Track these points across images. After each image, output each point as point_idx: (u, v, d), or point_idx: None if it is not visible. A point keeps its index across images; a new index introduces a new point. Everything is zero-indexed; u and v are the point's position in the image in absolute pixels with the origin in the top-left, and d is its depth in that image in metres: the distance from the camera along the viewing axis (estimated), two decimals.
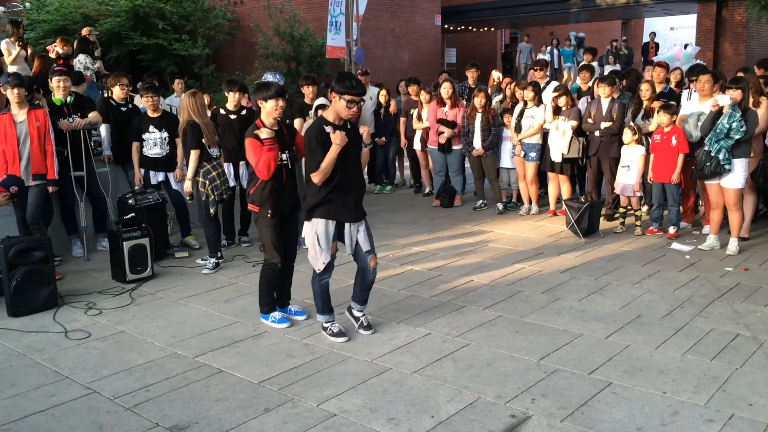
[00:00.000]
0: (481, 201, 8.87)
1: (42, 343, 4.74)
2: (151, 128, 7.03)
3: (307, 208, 4.52)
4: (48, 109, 6.51)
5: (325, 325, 4.72)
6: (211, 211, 6.44)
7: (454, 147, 8.74)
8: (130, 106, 7.55)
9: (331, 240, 4.51)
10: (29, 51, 9.26)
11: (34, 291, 5.32)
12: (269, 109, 4.75)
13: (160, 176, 7.20)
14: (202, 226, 6.59)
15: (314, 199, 4.46)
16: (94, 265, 6.68)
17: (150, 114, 7.08)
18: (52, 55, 9.81)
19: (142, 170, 7.14)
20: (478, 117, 8.30)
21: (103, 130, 7.34)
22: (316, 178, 4.37)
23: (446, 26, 23.11)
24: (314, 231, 4.50)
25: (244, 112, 7.26)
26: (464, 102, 8.96)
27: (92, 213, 7.11)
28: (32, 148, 6.01)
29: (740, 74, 6.64)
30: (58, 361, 4.42)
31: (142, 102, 7.17)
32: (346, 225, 4.53)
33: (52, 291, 5.44)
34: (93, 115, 6.83)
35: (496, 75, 10.63)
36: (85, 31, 11.53)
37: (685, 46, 16.23)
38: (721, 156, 6.16)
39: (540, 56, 17.55)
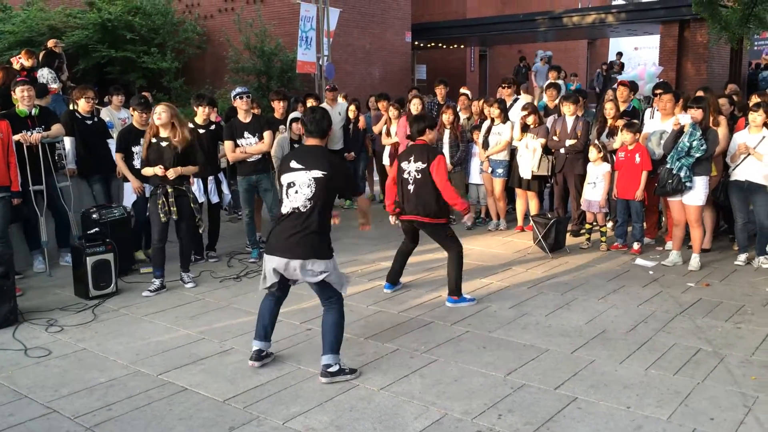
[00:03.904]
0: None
1: (0, 361, 4.61)
2: (142, 141, 6.88)
3: (327, 246, 4.29)
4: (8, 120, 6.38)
5: (337, 364, 4.27)
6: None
7: None
8: (95, 119, 7.43)
9: None
10: None
11: None
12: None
13: None
14: (190, 242, 6.40)
15: (328, 237, 4.34)
16: (56, 281, 6.54)
17: (140, 128, 6.84)
18: (17, 67, 9.65)
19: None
20: (447, 133, 8.37)
21: (68, 143, 7.20)
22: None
23: (416, 43, 23.31)
24: (334, 265, 4.32)
25: (213, 126, 7.22)
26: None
27: (55, 228, 6.97)
28: None
29: (700, 93, 6.82)
30: (16, 380, 4.31)
31: (133, 116, 6.96)
32: None
33: (12, 307, 5.30)
34: (55, 129, 6.68)
35: (465, 92, 10.76)
36: (50, 43, 11.37)
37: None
38: (682, 174, 6.30)
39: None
